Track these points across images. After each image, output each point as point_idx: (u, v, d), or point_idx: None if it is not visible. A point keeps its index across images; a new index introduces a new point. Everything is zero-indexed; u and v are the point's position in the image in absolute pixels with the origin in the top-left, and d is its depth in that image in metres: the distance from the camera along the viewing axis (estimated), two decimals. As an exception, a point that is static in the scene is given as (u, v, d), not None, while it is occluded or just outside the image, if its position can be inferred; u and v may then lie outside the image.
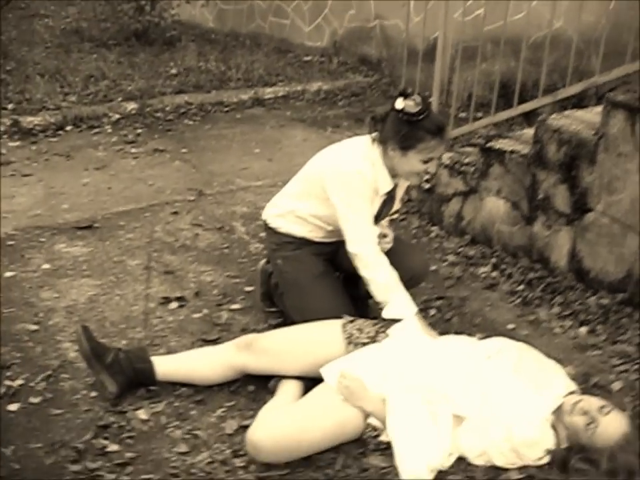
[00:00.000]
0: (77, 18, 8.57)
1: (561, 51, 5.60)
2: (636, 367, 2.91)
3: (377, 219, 2.87)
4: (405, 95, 2.57)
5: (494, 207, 3.75)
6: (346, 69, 7.81)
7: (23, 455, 2.30)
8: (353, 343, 2.57)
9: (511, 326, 3.19)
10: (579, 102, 5.43)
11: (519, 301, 3.39)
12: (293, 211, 2.92)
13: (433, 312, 3.25)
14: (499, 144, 3.68)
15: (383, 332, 2.61)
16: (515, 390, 2.40)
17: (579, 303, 3.31)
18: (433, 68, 4.45)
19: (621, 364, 2.94)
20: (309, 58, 8.23)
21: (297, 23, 8.64)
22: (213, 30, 9.62)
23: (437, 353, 2.52)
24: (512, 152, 3.59)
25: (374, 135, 2.74)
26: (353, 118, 6.30)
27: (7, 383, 2.63)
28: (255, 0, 9.14)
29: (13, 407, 2.52)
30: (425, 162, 2.65)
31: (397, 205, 3.00)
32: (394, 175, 2.77)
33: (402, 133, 2.60)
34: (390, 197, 2.86)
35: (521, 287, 3.48)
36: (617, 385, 2.80)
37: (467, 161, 3.91)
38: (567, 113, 3.54)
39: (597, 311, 3.25)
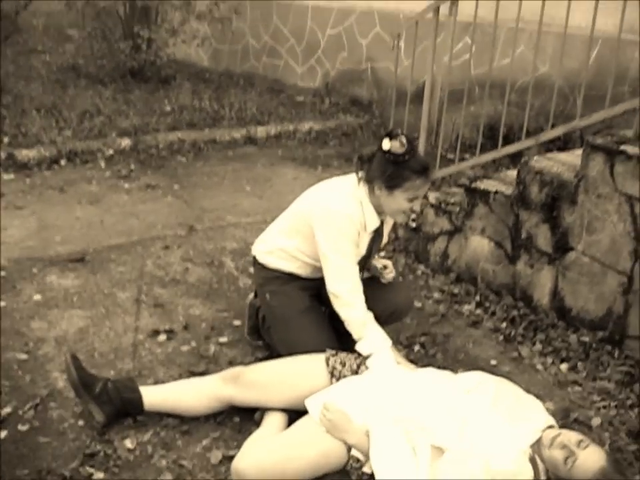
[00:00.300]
0: (74, 55, 8.71)
1: (546, 95, 5.76)
2: (615, 403, 2.97)
3: (368, 256, 2.94)
4: (392, 136, 2.66)
5: (478, 245, 3.83)
6: (337, 110, 7.95)
7: (9, 482, 2.34)
8: (335, 376, 2.63)
9: (493, 362, 3.25)
10: (564, 144, 5.57)
11: (501, 338, 3.46)
12: (281, 248, 2.99)
13: (417, 348, 3.32)
14: (483, 184, 3.78)
15: (364, 364, 2.67)
16: (493, 423, 2.45)
17: (561, 341, 3.39)
18: (420, 110, 4.57)
19: (601, 400, 3.01)
20: (301, 98, 8.38)
21: (290, 63, 8.82)
22: (207, 69, 9.80)
23: (417, 386, 2.58)
24: (496, 192, 3.69)
25: (361, 174, 2.82)
26: (344, 157, 6.42)
27: (-4, 410, 2.67)
28: (249, 41, 9.34)
29: (1, 434, 2.55)
30: (411, 200, 2.73)
31: (384, 240, 3.07)
32: (380, 212, 2.85)
33: (388, 173, 2.69)
34: (377, 233, 2.93)
35: (504, 325, 3.55)
36: (596, 421, 2.86)
37: (452, 200, 4.00)
38: (549, 155, 3.66)
39: (578, 348, 3.33)
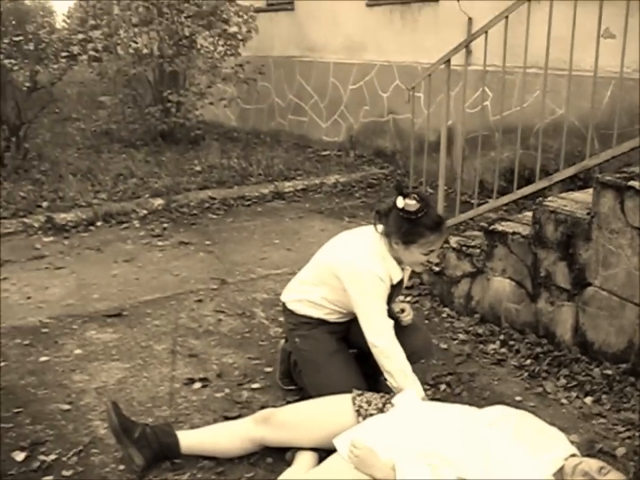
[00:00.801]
0: (106, 121, 9.09)
1: (561, 137, 5.90)
2: (639, 432, 3.03)
3: (390, 301, 3.07)
4: (405, 195, 2.81)
5: (500, 286, 3.94)
6: (362, 162, 8.18)
7: (56, 524, 2.47)
8: (362, 414, 2.74)
9: (518, 398, 3.33)
10: (585, 184, 5.68)
11: (526, 374, 3.54)
12: (309, 298, 3.14)
13: (443, 387, 3.41)
14: (501, 226, 3.91)
15: (390, 403, 2.78)
16: (515, 453, 2.53)
17: (584, 374, 3.46)
18: (446, 157, 4.74)
19: (625, 431, 3.06)
20: (326, 152, 8.63)
21: (314, 119, 9.09)
22: (235, 129, 10.12)
23: (441, 421, 2.67)
24: (514, 233, 3.81)
25: (380, 228, 2.96)
26: (369, 208, 6.58)
27: (42, 457, 2.82)
28: (275, 99, 9.65)
29: (47, 479, 2.70)
30: (426, 254, 2.89)
31: (404, 285, 3.21)
32: (400, 262, 2.99)
33: (403, 230, 2.83)
34: (400, 284, 3.07)
35: (528, 362, 3.63)
36: (621, 451, 2.92)
37: (473, 243, 4.12)
38: (563, 195, 3.78)
39: (602, 381, 3.39)
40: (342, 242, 3.12)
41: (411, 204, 2.80)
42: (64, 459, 2.83)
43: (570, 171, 3.70)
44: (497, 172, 4.34)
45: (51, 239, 5.67)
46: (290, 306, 3.20)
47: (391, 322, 2.98)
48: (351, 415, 2.74)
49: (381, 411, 2.75)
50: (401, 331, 3.14)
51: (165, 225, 6.07)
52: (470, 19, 6.69)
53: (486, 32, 4.15)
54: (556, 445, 2.61)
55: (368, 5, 7.99)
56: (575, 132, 5.84)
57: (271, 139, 9.24)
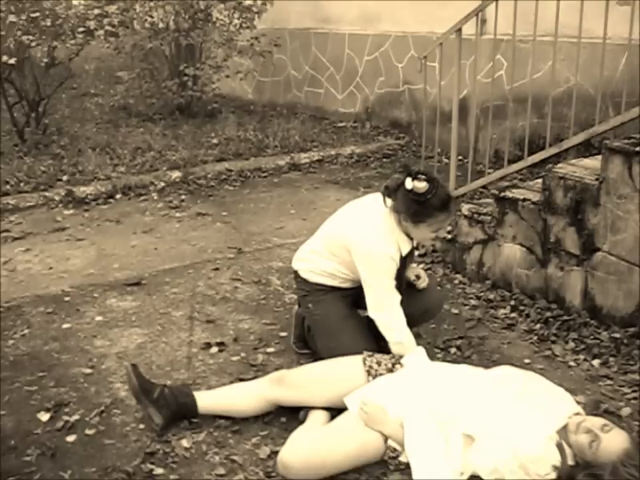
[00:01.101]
0: (124, 95, 9.15)
1: (579, 105, 5.89)
2: (645, 394, 3.10)
3: (403, 270, 3.14)
4: (414, 176, 2.86)
5: (511, 252, 4.00)
6: (377, 133, 8.21)
7: (79, 478, 2.59)
8: (372, 374, 2.83)
9: (527, 361, 3.40)
10: (599, 153, 5.69)
11: (535, 338, 3.61)
12: (322, 268, 3.22)
13: (453, 350, 3.49)
14: (512, 193, 3.95)
15: (399, 364, 2.87)
16: (520, 411, 2.61)
17: (593, 338, 3.52)
18: (461, 128, 4.76)
19: (631, 392, 3.13)
20: (342, 124, 8.66)
21: (330, 91, 9.10)
22: (252, 101, 10.16)
23: (449, 379, 2.76)
24: (524, 200, 3.86)
25: (389, 203, 3.01)
26: (384, 178, 6.57)
27: (65, 417, 2.94)
28: (291, 72, 9.68)
29: (71, 437, 2.82)
30: (435, 231, 2.97)
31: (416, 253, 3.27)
32: (408, 235, 3.05)
33: (412, 211, 2.89)
34: (411, 253, 3.15)
35: (538, 326, 3.70)
36: (625, 411, 2.99)
37: (484, 211, 4.18)
38: (572, 161, 3.82)
39: (609, 344, 3.46)
40: (352, 215, 3.18)
41: (420, 186, 2.84)
42: (86, 418, 2.95)
43: (579, 138, 3.73)
44: (508, 140, 4.32)
45: (71, 211, 5.78)
46: (302, 274, 3.29)
47: (397, 297, 3.05)
48: (362, 375, 2.83)
49: (390, 371, 2.85)
50: (414, 290, 3.23)
51: (183, 197, 6.16)
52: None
53: (496, 0, 4.16)
54: (560, 404, 2.69)
55: (382, -25, 7.96)
56: (589, 100, 5.82)
57: (287, 111, 9.28)
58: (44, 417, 2.96)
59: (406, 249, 3.07)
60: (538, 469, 2.50)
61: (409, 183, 2.86)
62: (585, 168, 3.65)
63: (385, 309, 3.04)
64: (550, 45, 5.65)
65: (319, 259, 3.22)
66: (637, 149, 3.23)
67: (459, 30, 4.45)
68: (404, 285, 3.18)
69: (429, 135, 5.51)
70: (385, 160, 7.40)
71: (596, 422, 2.56)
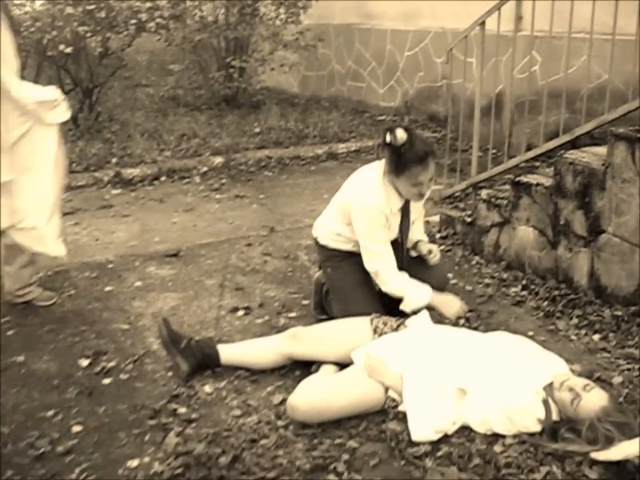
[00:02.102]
0: (174, 86, 9.56)
1: (610, 100, 6.03)
2: (638, 365, 3.29)
3: (402, 233, 3.40)
4: (391, 130, 3.12)
5: (524, 234, 4.21)
6: (415, 126, 8.41)
7: (111, 413, 2.93)
8: (378, 333, 3.10)
9: (530, 333, 3.61)
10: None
11: (541, 314, 3.83)
12: (338, 233, 3.51)
13: (462, 322, 3.72)
14: (526, 178, 4.17)
15: (403, 324, 3.14)
16: (510, 369, 2.86)
17: (595, 315, 3.72)
18: (496, 122, 4.94)
19: (626, 364, 3.33)
20: (382, 117, 8.91)
21: (372, 85, 9.36)
22: (296, 95, 10.47)
23: (446, 339, 3.02)
24: (537, 184, 4.07)
25: (384, 161, 3.28)
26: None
27: (103, 364, 3.29)
28: (334, 66, 9.96)
29: (107, 380, 3.17)
30: (414, 185, 3.19)
31: (413, 215, 3.50)
32: (400, 193, 3.30)
33: (392, 163, 3.16)
34: (405, 211, 3.39)
35: (545, 303, 3.91)
36: (617, 380, 3.19)
37: (501, 195, 4.40)
38: (583, 149, 4.02)
39: (611, 321, 3.65)
40: (354, 177, 3.47)
41: (396, 138, 3.09)
42: (121, 366, 3.29)
43: (589, 125, 3.92)
44: (541, 134, 4.49)
45: (119, 191, 6.17)
46: (321, 241, 3.58)
47: (387, 250, 3.29)
48: (368, 333, 3.11)
49: (395, 330, 3.12)
50: (420, 265, 3.48)
51: (223, 181, 6.51)
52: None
53: (519, -3, 4.37)
54: (549, 364, 2.93)
55: (424, -27, 8.19)
56: (620, 96, 5.96)
57: (330, 104, 9.57)
58: (84, 362, 3.32)
59: (396, 204, 3.31)
60: (523, 421, 2.74)
61: (388, 137, 3.12)
62: (594, 154, 3.85)
63: (377, 261, 3.30)
64: (582, 41, 5.82)
65: (332, 224, 3.50)
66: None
67: (483, 23, 4.66)
68: (405, 241, 3.44)
69: (466, 129, 5.72)
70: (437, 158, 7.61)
71: (579, 382, 2.79)
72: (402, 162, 3.14)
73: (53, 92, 3.58)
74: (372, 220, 3.25)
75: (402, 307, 3.25)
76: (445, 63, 5.09)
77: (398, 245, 3.42)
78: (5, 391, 3.08)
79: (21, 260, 3.78)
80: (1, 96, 3.39)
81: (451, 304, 3.33)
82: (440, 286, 3.54)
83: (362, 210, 3.26)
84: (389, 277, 3.29)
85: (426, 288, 3.29)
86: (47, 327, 3.67)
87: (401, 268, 3.40)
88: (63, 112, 3.64)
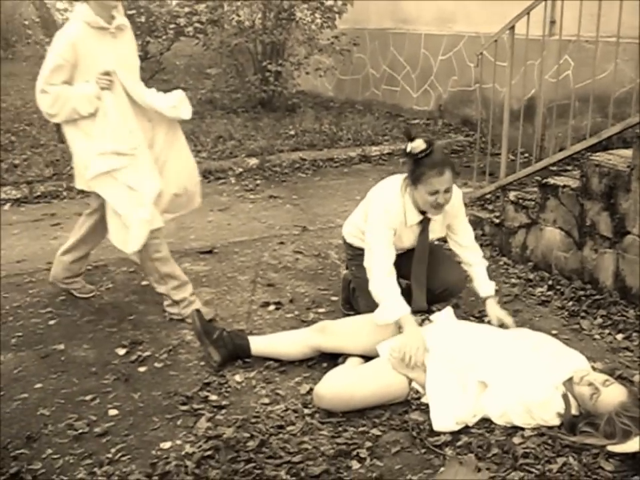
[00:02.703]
0: (211, 90, 9.75)
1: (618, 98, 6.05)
2: (661, 365, 3.34)
3: (419, 249, 3.48)
4: (412, 139, 3.20)
5: (551, 235, 4.28)
6: (449, 130, 8.50)
7: (146, 399, 3.07)
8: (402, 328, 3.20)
9: (554, 332, 3.67)
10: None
11: (566, 314, 3.89)
12: (363, 232, 3.61)
13: (487, 319, 3.78)
14: (553, 180, 4.24)
15: (428, 319, 3.23)
16: (531, 363, 2.94)
17: (620, 315, 3.78)
18: (528, 126, 4.99)
19: (649, 363, 3.38)
20: (416, 121, 8.99)
21: (406, 89, 9.45)
22: (332, 98, 10.60)
23: (469, 335, 3.11)
24: (564, 186, 4.14)
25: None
26: (449, 171, 6.92)
27: (139, 353, 3.44)
28: (369, 70, 10.07)
29: (142, 368, 3.32)
30: (431, 194, 3.20)
31: (436, 235, 3.55)
32: (419, 208, 3.35)
33: (411, 171, 3.23)
34: (423, 228, 3.43)
35: (570, 303, 3.98)
36: (638, 377, 3.24)
37: (529, 197, 4.47)
38: (610, 151, 4.07)
39: (635, 321, 3.71)
40: (378, 185, 3.53)
41: (415, 147, 3.15)
42: (157, 355, 3.44)
43: (616, 128, 3.98)
44: (569, 138, 4.55)
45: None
46: (348, 239, 3.69)
47: (386, 252, 3.30)
48: (393, 327, 3.20)
49: (420, 325, 3.21)
50: (437, 267, 3.54)
51: (258, 182, 6.66)
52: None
53: (546, 0, 4.44)
54: (569, 360, 3.00)
55: (459, -22, 8.26)
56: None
57: (364, 108, 9.68)
58: (121, 351, 3.47)
59: (413, 217, 3.36)
60: (542, 414, 2.82)
61: (408, 146, 3.19)
62: (620, 156, 3.91)
63: (370, 257, 3.34)
64: (614, 45, 5.85)
65: (359, 224, 3.60)
66: (664, 138, 3.48)
67: (512, 27, 4.73)
68: (424, 258, 3.48)
69: (497, 133, 5.78)
70: (452, 155, 7.68)
71: (598, 377, 2.86)
72: (419, 170, 3.18)
73: (176, 95, 3.97)
74: (381, 220, 3.31)
75: (374, 317, 3.29)
76: (476, 66, 5.14)
77: (410, 255, 3.48)
78: (46, 376, 3.25)
79: (78, 253, 3.99)
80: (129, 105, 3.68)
81: (411, 344, 3.04)
82: (455, 288, 3.60)
83: (375, 210, 3.35)
84: (375, 279, 3.30)
85: (401, 308, 3.19)
86: (86, 318, 3.84)
87: (406, 278, 3.48)
88: (188, 110, 4.02)
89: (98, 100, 3.57)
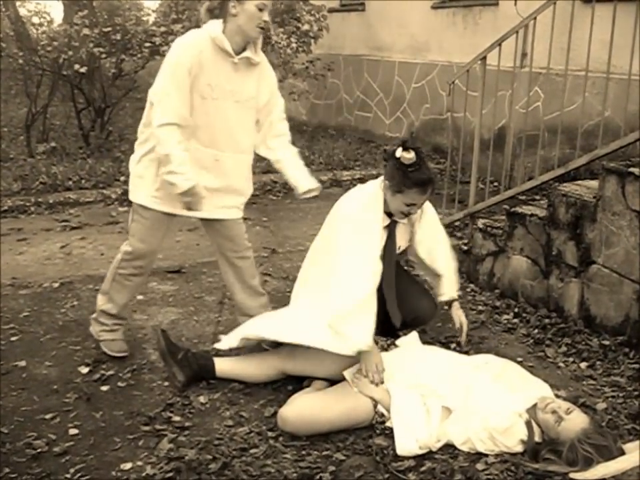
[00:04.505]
0: (184, 110, 9.75)
1: (609, 137, 6.17)
2: (623, 394, 3.37)
3: (386, 254, 3.42)
4: (404, 147, 3.20)
5: (518, 264, 4.32)
6: (420, 157, 8.56)
7: (108, 418, 3.03)
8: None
9: (519, 359, 3.69)
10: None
11: (531, 341, 3.92)
12: None
13: (453, 345, 3.80)
14: (521, 209, 4.29)
15: (393, 344, 3.23)
16: (494, 390, 2.95)
17: (584, 344, 3.82)
18: (498, 155, 5.05)
19: (611, 392, 3.41)
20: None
21: (379, 115, 9.54)
22: (305, 122, 10.67)
23: (433, 361, 3.12)
24: (531, 215, 4.19)
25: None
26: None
27: (102, 371, 3.40)
28: (343, 95, 10.15)
29: (105, 387, 3.27)
30: (408, 205, 3.22)
31: (401, 243, 3.53)
32: (388, 211, 3.33)
33: (395, 178, 3.20)
34: (390, 232, 3.42)
35: (536, 331, 4.01)
36: (601, 406, 3.27)
37: (497, 225, 4.51)
38: (577, 182, 4.14)
39: (599, 350, 3.74)
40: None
41: (407, 157, 3.12)
42: (120, 374, 3.39)
43: (583, 160, 4.05)
44: (538, 167, 4.61)
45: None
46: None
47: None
48: (359, 351, 3.20)
49: (385, 350, 3.21)
50: (408, 294, 3.55)
51: (229, 203, 6.62)
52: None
53: (517, 32, 4.52)
54: (533, 387, 3.03)
55: (433, 7, 8.39)
56: (620, 133, 6.10)
57: (337, 133, 9.75)
58: (83, 369, 3.43)
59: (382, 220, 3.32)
60: (505, 441, 2.83)
61: (399, 152, 3.16)
62: (587, 187, 3.97)
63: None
64: (583, 79, 5.97)
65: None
66: (630, 169, 3.54)
67: (484, 58, 4.81)
68: (392, 263, 3.46)
69: (467, 161, 5.84)
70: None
71: (562, 404, 2.88)
72: (404, 181, 3.16)
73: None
74: (360, 227, 3.25)
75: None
76: (448, 95, 5.20)
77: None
78: (6, 393, 3.19)
79: None
80: None
81: (368, 362, 3.08)
82: (426, 316, 3.61)
83: (347, 215, 3.30)
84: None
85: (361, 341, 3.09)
86: (49, 335, 3.79)
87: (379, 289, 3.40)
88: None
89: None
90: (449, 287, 3.64)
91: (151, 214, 3.44)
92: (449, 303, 3.63)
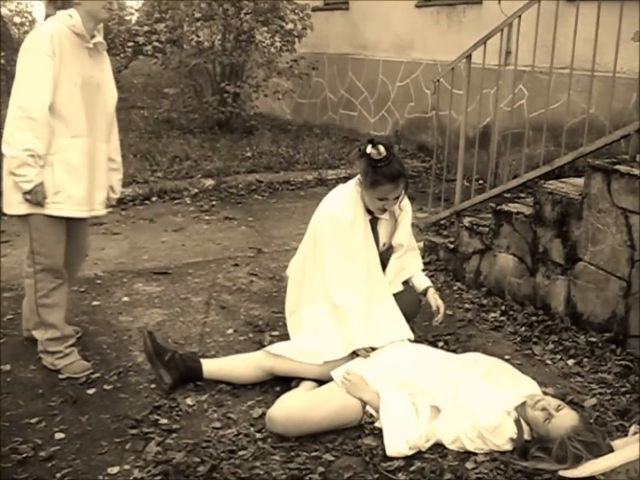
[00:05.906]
0: (168, 109, 9.71)
1: (593, 135, 6.19)
2: (611, 390, 3.38)
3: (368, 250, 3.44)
4: (373, 144, 3.22)
5: (505, 261, 4.32)
6: (405, 155, 8.58)
7: (94, 422, 2.99)
8: (356, 352, 3.18)
9: (507, 357, 3.69)
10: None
11: (518, 339, 3.92)
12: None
13: (440, 344, 3.80)
14: (507, 207, 4.29)
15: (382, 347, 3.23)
16: (483, 389, 2.94)
17: (571, 341, 3.82)
18: (483, 153, 5.05)
19: (598, 388, 3.41)
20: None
21: (363, 114, 9.53)
22: (289, 121, 10.64)
23: (422, 360, 3.11)
24: (517, 213, 4.19)
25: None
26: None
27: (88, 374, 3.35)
28: (327, 94, 10.14)
29: (91, 390, 3.23)
30: (380, 200, 3.27)
31: (384, 240, 3.54)
32: (369, 208, 3.38)
33: (366, 175, 3.24)
34: (373, 227, 3.44)
35: (523, 329, 4.01)
36: (589, 402, 3.27)
37: (483, 223, 4.51)
38: (563, 179, 4.15)
39: (586, 347, 3.75)
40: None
41: (375, 152, 3.16)
42: (106, 377, 3.36)
43: (568, 157, 4.06)
44: (523, 166, 4.61)
45: (110, 209, 6.18)
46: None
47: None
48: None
49: (373, 349, 3.20)
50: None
51: (214, 203, 6.61)
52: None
53: (502, 30, 4.52)
54: (521, 385, 3.02)
55: (417, 6, 8.40)
56: (604, 130, 6.12)
57: (321, 132, 9.72)
58: (69, 373, 3.38)
59: (362, 216, 3.37)
60: (495, 439, 2.82)
61: (369, 149, 3.19)
62: (572, 185, 3.98)
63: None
64: (568, 77, 5.98)
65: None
66: (615, 167, 3.55)
67: (469, 56, 4.80)
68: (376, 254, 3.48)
69: (453, 159, 5.84)
70: (408, 181, 7.74)
71: (552, 402, 2.87)
72: (375, 176, 3.20)
73: None
74: (328, 230, 3.35)
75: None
76: (432, 94, 5.20)
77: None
78: (-10, 398, 3.15)
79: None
80: None
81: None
82: (409, 313, 3.61)
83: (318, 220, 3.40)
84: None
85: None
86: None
87: None
88: None
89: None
90: (421, 280, 3.70)
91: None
92: (425, 292, 3.66)
